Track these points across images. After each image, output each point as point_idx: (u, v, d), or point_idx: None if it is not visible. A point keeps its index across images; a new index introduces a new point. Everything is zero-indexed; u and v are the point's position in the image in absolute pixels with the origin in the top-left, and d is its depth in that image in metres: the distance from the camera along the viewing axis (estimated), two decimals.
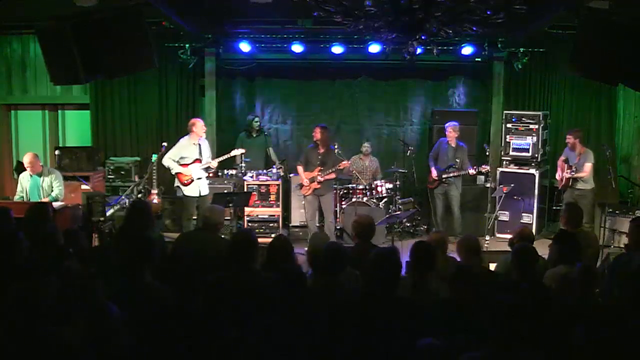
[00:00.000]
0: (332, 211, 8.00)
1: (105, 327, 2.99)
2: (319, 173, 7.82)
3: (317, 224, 8.17)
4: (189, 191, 7.65)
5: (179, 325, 3.28)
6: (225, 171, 8.83)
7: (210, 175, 8.23)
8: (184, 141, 7.74)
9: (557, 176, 8.17)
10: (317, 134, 7.88)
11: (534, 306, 3.09)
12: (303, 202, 8.20)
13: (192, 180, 7.64)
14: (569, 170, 7.80)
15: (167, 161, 7.64)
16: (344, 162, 7.84)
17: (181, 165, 7.63)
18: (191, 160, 7.66)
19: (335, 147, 8.63)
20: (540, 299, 3.36)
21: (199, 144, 7.74)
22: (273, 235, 8.03)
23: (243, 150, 8.24)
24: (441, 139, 8.56)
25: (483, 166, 8.28)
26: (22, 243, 4.11)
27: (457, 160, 8.26)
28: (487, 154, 8.64)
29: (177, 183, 7.79)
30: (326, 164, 7.83)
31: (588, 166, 7.75)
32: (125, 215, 5.33)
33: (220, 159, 8.04)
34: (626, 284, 3.48)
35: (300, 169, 8.04)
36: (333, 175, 7.93)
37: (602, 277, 4.44)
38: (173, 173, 7.70)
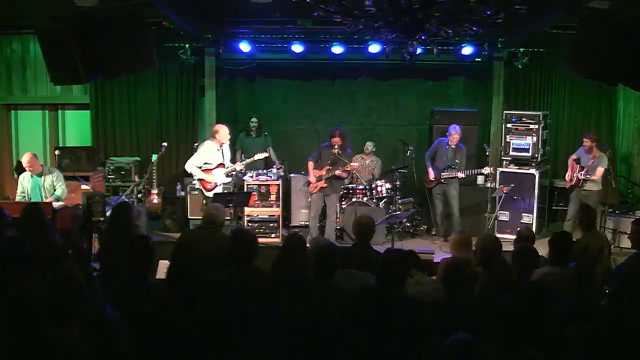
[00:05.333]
0: (335, 212, 8.03)
1: (103, 328, 2.99)
2: (326, 172, 7.79)
3: (319, 224, 8.17)
4: (212, 194, 7.62)
5: (179, 324, 3.27)
6: None
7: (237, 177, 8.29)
8: (207, 146, 7.71)
9: (567, 176, 8.14)
10: (338, 139, 7.71)
11: (533, 306, 3.09)
12: (309, 200, 8.19)
13: (217, 185, 7.66)
14: (582, 172, 7.80)
15: (189, 167, 7.64)
16: (352, 164, 7.81)
17: (204, 170, 7.62)
18: (215, 165, 7.66)
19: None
20: (539, 299, 3.35)
21: (222, 149, 7.75)
22: (272, 235, 8.17)
23: (267, 154, 8.21)
24: (441, 138, 8.51)
25: (485, 168, 8.28)
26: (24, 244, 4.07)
27: (457, 162, 8.24)
28: (487, 154, 8.63)
29: (198, 186, 7.80)
30: (336, 164, 7.79)
31: (600, 170, 7.78)
32: (110, 218, 5.33)
33: (246, 162, 8.05)
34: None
35: (310, 164, 8.00)
36: (339, 173, 7.78)
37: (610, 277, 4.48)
38: (196, 179, 7.71)
